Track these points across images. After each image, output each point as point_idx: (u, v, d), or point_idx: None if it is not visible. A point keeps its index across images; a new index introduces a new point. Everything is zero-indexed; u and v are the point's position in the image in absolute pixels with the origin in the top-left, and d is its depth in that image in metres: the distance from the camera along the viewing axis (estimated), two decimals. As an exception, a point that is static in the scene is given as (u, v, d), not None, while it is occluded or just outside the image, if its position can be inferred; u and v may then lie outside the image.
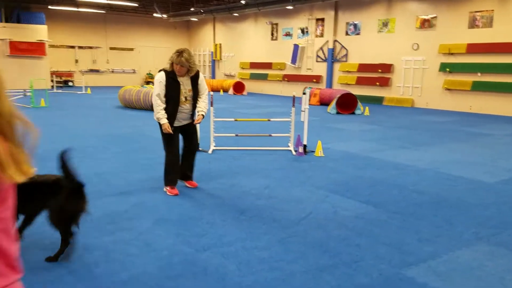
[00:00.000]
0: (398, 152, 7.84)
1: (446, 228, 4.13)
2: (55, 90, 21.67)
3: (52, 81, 22.58)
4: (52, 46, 24.53)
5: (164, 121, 4.77)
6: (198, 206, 4.59)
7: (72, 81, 25.15)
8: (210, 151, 7.44)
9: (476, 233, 4.01)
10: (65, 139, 8.38)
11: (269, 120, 8.30)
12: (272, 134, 8.10)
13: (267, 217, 4.33)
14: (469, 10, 15.02)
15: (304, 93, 7.42)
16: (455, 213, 4.56)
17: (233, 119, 7.87)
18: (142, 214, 4.30)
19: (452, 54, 15.60)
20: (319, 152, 7.44)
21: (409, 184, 5.67)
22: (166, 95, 4.80)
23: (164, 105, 4.81)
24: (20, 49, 22.07)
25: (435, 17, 16.02)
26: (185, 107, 4.93)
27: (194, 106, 5.01)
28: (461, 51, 15.28)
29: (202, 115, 4.96)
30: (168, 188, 5.05)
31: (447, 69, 15.72)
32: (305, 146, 7.56)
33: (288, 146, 7.92)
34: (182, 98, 4.87)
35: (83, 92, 21.06)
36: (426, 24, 16.35)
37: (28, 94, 14.18)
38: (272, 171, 6.26)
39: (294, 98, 7.62)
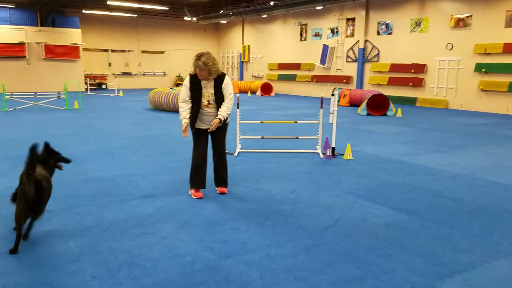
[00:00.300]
0: (432, 156, 7.55)
1: (482, 238, 3.90)
2: (88, 93, 22.21)
3: (86, 83, 23.15)
4: (86, 49, 25.19)
5: (183, 122, 4.86)
6: (222, 211, 4.52)
7: (105, 84, 25.72)
8: (235, 154, 7.38)
9: (516, 245, 3.76)
10: (97, 141, 8.52)
11: (296, 122, 8.15)
12: (299, 137, 7.95)
13: (292, 223, 4.21)
14: (506, 9, 14.42)
15: (332, 95, 7.24)
16: (492, 221, 4.31)
17: (259, 121, 7.76)
18: (166, 218, 4.26)
19: (488, 54, 15.01)
20: (348, 155, 7.26)
21: (443, 190, 5.42)
22: (191, 98, 4.86)
23: (187, 107, 4.88)
24: (54, 53, 22.74)
25: (470, 16, 15.46)
26: (209, 110, 4.90)
27: (217, 110, 4.93)
28: (498, 51, 14.68)
29: (220, 119, 4.82)
30: (192, 191, 5.04)
31: (483, 70, 15.13)
32: (333, 149, 7.38)
33: (316, 149, 7.77)
34: (205, 102, 4.87)
35: (116, 94, 21.49)
36: (460, 23, 15.80)
37: (62, 96, 14.53)
38: (299, 174, 6.13)
39: (322, 99, 7.46)
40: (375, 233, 3.98)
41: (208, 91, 4.86)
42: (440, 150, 8.04)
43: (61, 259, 3.35)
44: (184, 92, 4.88)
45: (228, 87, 4.89)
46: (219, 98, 4.86)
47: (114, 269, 3.20)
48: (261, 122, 7.99)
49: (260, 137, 7.94)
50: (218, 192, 5.17)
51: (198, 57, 4.68)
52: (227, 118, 5.01)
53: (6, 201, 4.63)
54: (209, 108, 4.89)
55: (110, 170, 6.17)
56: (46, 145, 4.12)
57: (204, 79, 4.80)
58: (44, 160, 3.99)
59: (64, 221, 4.14)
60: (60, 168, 4.18)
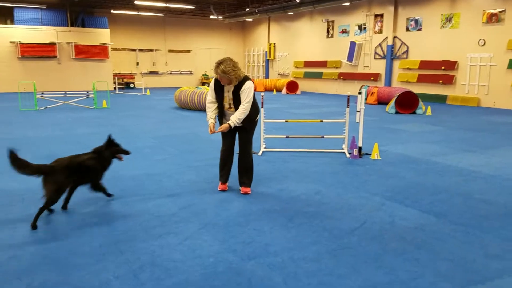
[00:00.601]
0: (463, 156, 7.30)
1: (518, 244, 3.72)
2: (117, 92, 22.60)
3: (114, 83, 23.57)
4: (114, 49, 25.64)
5: (209, 122, 5.02)
6: (245, 211, 4.47)
7: (133, 83, 26.12)
8: (260, 153, 7.32)
9: (554, 251, 3.57)
10: (123, 140, 8.57)
11: (321, 121, 8.02)
12: (325, 136, 7.83)
13: (317, 225, 4.12)
14: (544, 1, 13.82)
15: (359, 93, 7.08)
16: (528, 226, 4.11)
17: (284, 120, 7.68)
18: (189, 218, 4.25)
19: (523, 49, 14.43)
20: (375, 155, 7.09)
21: (475, 192, 5.22)
22: (216, 100, 5.03)
23: (213, 107, 5.04)
24: (84, 52, 23.25)
25: (503, 11, 14.90)
26: (231, 112, 5.01)
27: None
28: (534, 46, 14.10)
29: (229, 124, 4.82)
30: (219, 183, 5.29)
31: (518, 66, 14.57)
32: (360, 149, 7.23)
33: (342, 149, 7.63)
34: (226, 105, 5.02)
35: (143, 93, 21.78)
36: (493, 18, 15.25)
37: (91, 95, 14.82)
38: (324, 175, 6.02)
39: (348, 98, 7.31)
40: (403, 237, 3.85)
41: (229, 95, 4.97)
42: (472, 150, 7.76)
43: (85, 258, 3.38)
44: (210, 93, 5.06)
45: (245, 93, 4.84)
46: (237, 103, 4.92)
47: (137, 270, 3.20)
48: (286, 121, 7.90)
49: (284, 136, 7.86)
50: (241, 192, 5.15)
51: (218, 65, 4.74)
52: (255, 119, 5.09)
53: (32, 199, 4.73)
54: (230, 110, 5.01)
55: (135, 169, 6.22)
56: (109, 138, 4.76)
57: (227, 84, 4.89)
58: (99, 152, 4.64)
59: (89, 220, 4.18)
60: (120, 159, 4.78)
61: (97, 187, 4.65)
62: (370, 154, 7.18)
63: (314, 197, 5.02)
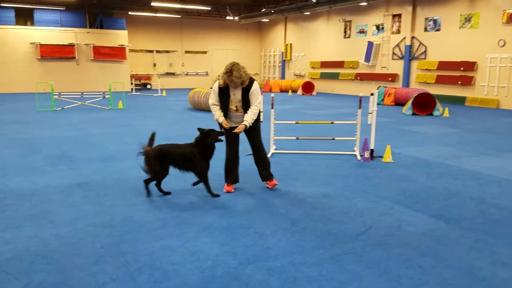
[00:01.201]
0: (479, 159, 7.11)
1: (529, 252, 3.57)
2: (134, 93, 22.83)
3: (131, 84, 23.82)
4: (132, 50, 25.92)
5: (222, 119, 5.06)
6: (249, 213, 4.42)
7: (150, 84, 26.35)
8: (269, 155, 7.25)
9: None
10: (134, 140, 8.66)
11: (332, 123, 7.91)
12: (336, 138, 7.72)
13: (321, 229, 4.04)
14: None
15: (371, 94, 6.96)
16: (542, 234, 3.95)
17: (294, 122, 7.60)
18: (192, 220, 4.22)
19: (546, 49, 14.02)
20: (387, 157, 6.96)
21: (488, 197, 5.06)
22: (220, 103, 5.10)
23: (218, 107, 5.11)
24: (102, 54, 23.57)
25: (527, 9, 14.50)
26: (238, 114, 5.11)
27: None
28: (557, 46, 13.67)
29: (245, 125, 4.96)
30: (225, 184, 5.30)
31: (540, 66, 14.15)
32: (372, 151, 7.11)
33: (354, 151, 7.51)
34: (233, 107, 5.09)
35: (159, 94, 21.95)
36: (515, 17, 14.85)
37: (107, 96, 14.99)
38: (333, 177, 5.93)
39: (360, 99, 7.19)
40: (409, 243, 3.75)
41: (236, 98, 5.04)
42: (488, 153, 7.55)
43: (85, 259, 3.38)
44: (213, 96, 5.12)
45: (254, 94, 5.01)
46: (246, 105, 5.02)
47: (135, 272, 3.18)
48: (296, 123, 7.82)
49: (295, 138, 7.78)
50: (269, 187, 5.33)
51: (229, 73, 4.78)
52: (259, 118, 5.23)
53: (40, 200, 4.78)
54: (238, 112, 5.09)
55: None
56: (199, 130, 5.04)
57: (236, 87, 4.97)
58: (201, 142, 4.97)
59: (94, 220, 4.19)
60: (219, 140, 4.99)
61: (200, 176, 4.97)
62: (382, 157, 7.05)
63: (321, 200, 4.94)
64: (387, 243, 3.75)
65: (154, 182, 5.04)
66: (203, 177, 4.98)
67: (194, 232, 3.91)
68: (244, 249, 3.59)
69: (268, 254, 3.50)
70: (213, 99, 5.11)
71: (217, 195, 4.97)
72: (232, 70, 4.79)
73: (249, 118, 4.96)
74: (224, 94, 5.03)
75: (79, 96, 15.32)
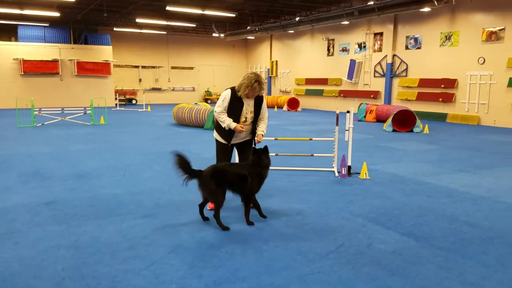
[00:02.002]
0: (455, 176, 7.15)
1: (496, 269, 3.56)
2: (118, 108, 22.68)
3: (115, 99, 23.68)
4: (117, 66, 25.86)
5: (234, 124, 4.94)
6: (221, 233, 4.35)
7: (135, 99, 26.25)
8: (248, 172, 7.21)
9: (534, 279, 3.41)
10: (112, 156, 8.57)
11: (311, 139, 7.92)
12: (315, 154, 7.72)
13: (292, 248, 3.99)
14: (543, 20, 13.76)
15: (348, 112, 6.99)
16: (509, 251, 3.95)
17: (273, 138, 7.59)
18: (161, 240, 4.13)
19: (523, 67, 14.33)
20: (364, 174, 6.96)
21: (461, 214, 5.06)
22: (227, 112, 4.98)
23: (226, 114, 4.98)
24: (86, 69, 23.48)
25: (503, 29, 14.85)
26: (245, 126, 5.06)
27: (253, 127, 5.14)
28: (534, 65, 13.98)
29: (262, 134, 5.11)
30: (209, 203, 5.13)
31: (518, 84, 14.44)
32: (349, 168, 7.11)
33: (332, 167, 7.51)
34: (242, 118, 5.02)
35: (144, 109, 21.85)
36: (493, 36, 15.20)
37: (89, 112, 14.86)
38: (310, 194, 5.90)
39: (337, 116, 7.22)
40: (378, 261, 3.71)
41: (248, 109, 5.01)
42: (466, 170, 7.61)
43: (45, 282, 3.27)
44: (222, 105, 4.98)
45: (265, 107, 5.18)
46: (257, 117, 5.08)
47: (95, 295, 3.08)
48: (275, 139, 7.81)
49: (274, 154, 7.74)
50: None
51: (259, 82, 4.86)
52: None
53: (8, 219, 4.64)
54: (245, 124, 5.03)
55: (118, 188, 6.13)
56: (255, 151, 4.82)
57: (252, 97, 4.94)
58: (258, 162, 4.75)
59: (58, 241, 4.07)
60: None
61: (249, 198, 4.69)
62: (360, 173, 7.06)
63: (295, 218, 4.90)
64: (356, 262, 3.71)
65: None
66: (251, 199, 4.72)
67: (162, 254, 3.82)
68: (211, 270, 3.51)
69: (236, 275, 3.43)
70: (221, 107, 4.96)
71: (252, 223, 4.61)
72: (258, 77, 4.87)
73: (264, 128, 5.08)
74: (237, 103, 4.95)
75: (60, 111, 15.15)
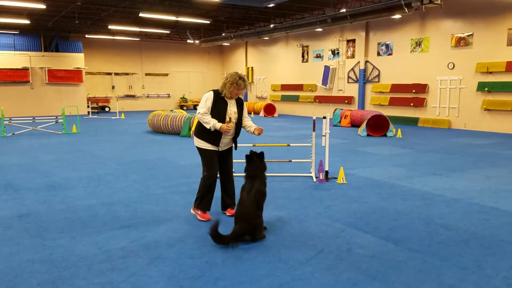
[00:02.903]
0: (428, 179, 7.30)
1: (472, 271, 3.64)
2: (90, 116, 22.27)
3: (88, 106, 23.25)
4: (89, 73, 25.42)
5: (218, 127, 4.81)
6: (200, 242, 4.30)
7: (108, 107, 25.84)
8: (226, 179, 7.18)
9: (507, 278, 3.50)
10: (86, 167, 8.38)
11: (288, 145, 7.96)
12: (292, 160, 7.76)
13: (273, 255, 3.98)
14: (508, 27, 14.27)
15: (324, 117, 7.06)
16: (485, 252, 4.05)
17: (251, 145, 7.59)
18: (139, 252, 4.05)
19: (490, 73, 14.82)
20: (341, 179, 7.04)
21: (436, 217, 5.17)
22: (211, 114, 4.88)
23: (209, 114, 4.86)
24: (58, 77, 22.97)
25: (471, 35, 15.33)
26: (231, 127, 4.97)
27: (236, 131, 5.10)
28: (501, 70, 14.47)
29: (259, 128, 5.14)
30: (199, 212, 5.05)
31: (486, 89, 14.91)
32: (327, 173, 7.18)
33: (310, 173, 7.56)
34: (227, 118, 4.95)
35: (117, 117, 21.52)
36: (462, 42, 15.67)
37: (60, 120, 14.52)
38: (288, 200, 5.91)
39: (314, 122, 7.28)
40: (358, 266, 3.74)
41: (231, 109, 4.97)
42: (438, 173, 7.78)
43: (18, 298, 3.16)
44: (205, 105, 4.87)
45: (245, 107, 5.23)
46: (240, 118, 5.04)
47: (72, 311, 2.99)
48: (254, 145, 7.81)
49: (251, 161, 7.73)
50: (228, 214, 5.18)
51: (242, 78, 4.90)
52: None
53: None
54: (230, 125, 4.93)
55: (92, 198, 6.00)
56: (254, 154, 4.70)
57: (234, 97, 5.00)
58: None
59: (32, 255, 3.95)
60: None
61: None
62: (337, 178, 7.13)
63: (275, 224, 4.89)
64: (336, 267, 3.73)
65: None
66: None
67: (140, 265, 3.75)
68: (191, 281, 3.46)
69: (217, 285, 3.40)
70: (204, 108, 4.83)
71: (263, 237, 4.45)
72: (241, 75, 4.90)
73: (253, 124, 5.17)
74: (221, 103, 4.90)
75: (31, 121, 14.76)
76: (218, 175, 5.15)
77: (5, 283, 3.40)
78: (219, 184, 5.24)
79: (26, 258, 3.88)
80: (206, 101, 4.88)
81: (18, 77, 22.02)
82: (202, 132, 4.94)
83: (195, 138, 5.05)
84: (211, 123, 4.80)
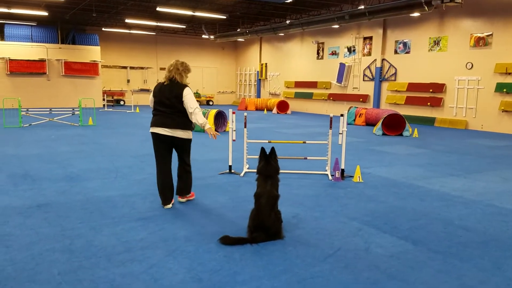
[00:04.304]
0: (446, 180, 7.22)
1: (493, 273, 3.59)
2: (106, 109, 22.46)
3: (103, 99, 23.45)
4: (105, 66, 25.62)
5: (208, 125, 5.12)
6: (217, 236, 4.28)
7: (123, 100, 26.02)
8: (242, 174, 7.20)
9: (531, 283, 3.45)
10: (103, 159, 8.46)
11: (304, 142, 7.92)
12: (308, 157, 7.73)
13: (290, 252, 3.97)
14: (529, 27, 14.02)
15: (341, 115, 7.02)
16: (505, 255, 3.99)
17: (266, 141, 7.57)
18: (158, 243, 4.08)
19: (509, 73, 14.58)
20: (357, 177, 6.99)
21: (455, 218, 5.11)
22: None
23: None
24: (74, 69, 23.20)
25: (491, 34, 15.09)
26: None
27: None
28: (520, 70, 14.23)
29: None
30: (190, 193, 5.62)
31: (504, 90, 14.68)
32: (343, 171, 7.14)
33: (325, 170, 7.52)
34: None
35: (132, 111, 21.67)
36: (481, 42, 15.43)
37: (77, 112, 14.67)
38: (304, 198, 5.89)
39: (331, 119, 7.24)
40: (377, 265, 3.71)
41: None
42: (456, 174, 7.69)
43: (41, 287, 3.19)
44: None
45: None
46: None
47: (93, 300, 3.02)
48: (269, 142, 7.79)
49: (267, 157, 7.72)
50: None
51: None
52: None
53: (1, 221, 4.55)
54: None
55: (110, 190, 6.05)
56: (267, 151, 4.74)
57: None
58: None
59: (53, 245, 3.99)
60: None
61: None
62: (353, 177, 7.08)
63: (291, 221, 4.88)
64: (354, 266, 3.71)
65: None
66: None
67: (159, 257, 3.77)
68: (210, 274, 3.47)
69: (235, 279, 3.40)
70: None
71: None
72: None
73: None
74: None
75: (48, 112, 14.94)
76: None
77: (26, 271, 3.45)
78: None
79: (47, 247, 3.93)
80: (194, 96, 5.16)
81: (35, 68, 22.30)
82: (190, 124, 5.22)
83: (186, 132, 5.19)
84: (205, 121, 5.08)
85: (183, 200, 5.47)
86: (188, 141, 5.25)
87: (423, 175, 7.58)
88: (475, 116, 15.82)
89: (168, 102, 5.10)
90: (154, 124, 5.21)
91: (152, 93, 5.34)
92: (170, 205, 5.26)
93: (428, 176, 7.46)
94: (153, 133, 5.22)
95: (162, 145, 5.19)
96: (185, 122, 5.13)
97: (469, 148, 11.05)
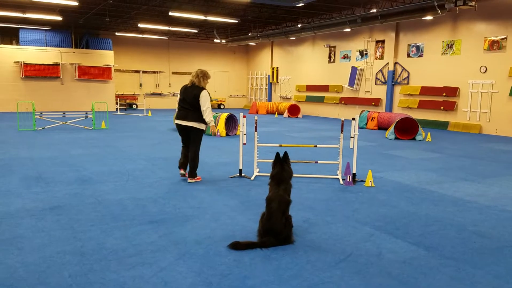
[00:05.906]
0: (460, 185, 7.12)
1: (507, 281, 3.51)
2: (118, 113, 22.65)
3: (116, 103, 23.65)
4: (118, 70, 25.87)
5: (213, 122, 6.74)
6: (227, 240, 4.28)
7: (136, 104, 26.23)
8: (252, 178, 7.18)
9: (548, 291, 3.37)
10: (115, 162, 8.52)
11: (315, 146, 7.88)
12: (319, 161, 7.68)
13: (300, 257, 3.94)
14: (545, 30, 13.80)
15: (353, 119, 6.97)
16: (522, 263, 3.91)
17: (277, 145, 7.55)
18: (168, 247, 4.08)
19: (525, 77, 14.35)
20: (369, 182, 6.92)
21: (468, 224, 5.02)
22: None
23: None
24: (87, 73, 23.47)
25: (505, 38, 14.89)
26: None
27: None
28: (536, 74, 14.01)
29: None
30: (197, 177, 6.90)
31: (520, 93, 14.45)
32: (354, 175, 7.08)
33: (337, 175, 7.47)
34: None
35: (144, 114, 21.82)
36: (495, 45, 15.23)
37: (90, 116, 14.82)
38: (315, 202, 5.85)
39: (342, 123, 7.19)
40: (389, 272, 3.66)
41: None
42: (469, 179, 7.58)
43: (51, 289, 3.21)
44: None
45: None
46: None
47: (103, 303, 3.03)
48: (280, 146, 7.77)
49: (278, 161, 7.69)
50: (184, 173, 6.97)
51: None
52: None
53: (12, 224, 4.59)
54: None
55: (122, 193, 6.08)
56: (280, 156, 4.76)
57: None
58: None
59: (64, 247, 4.02)
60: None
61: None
62: (364, 181, 7.02)
63: (301, 225, 4.84)
64: (366, 271, 3.66)
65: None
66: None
67: (169, 260, 3.77)
68: (220, 278, 3.46)
69: (245, 283, 3.38)
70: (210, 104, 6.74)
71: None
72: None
73: None
74: None
75: (61, 115, 15.10)
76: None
77: (37, 274, 3.47)
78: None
79: (58, 250, 3.95)
80: (208, 97, 6.75)
81: (49, 72, 22.60)
82: (202, 118, 6.65)
83: (199, 124, 6.64)
84: (211, 119, 6.61)
85: (192, 181, 6.79)
86: (201, 131, 6.70)
87: (436, 179, 7.48)
88: (489, 120, 15.61)
89: (189, 100, 6.61)
90: (177, 117, 6.76)
91: (179, 93, 6.92)
92: (182, 171, 6.92)
93: (441, 181, 7.36)
94: (176, 124, 6.81)
95: (182, 133, 6.76)
96: (199, 116, 6.62)
97: (483, 152, 10.90)
